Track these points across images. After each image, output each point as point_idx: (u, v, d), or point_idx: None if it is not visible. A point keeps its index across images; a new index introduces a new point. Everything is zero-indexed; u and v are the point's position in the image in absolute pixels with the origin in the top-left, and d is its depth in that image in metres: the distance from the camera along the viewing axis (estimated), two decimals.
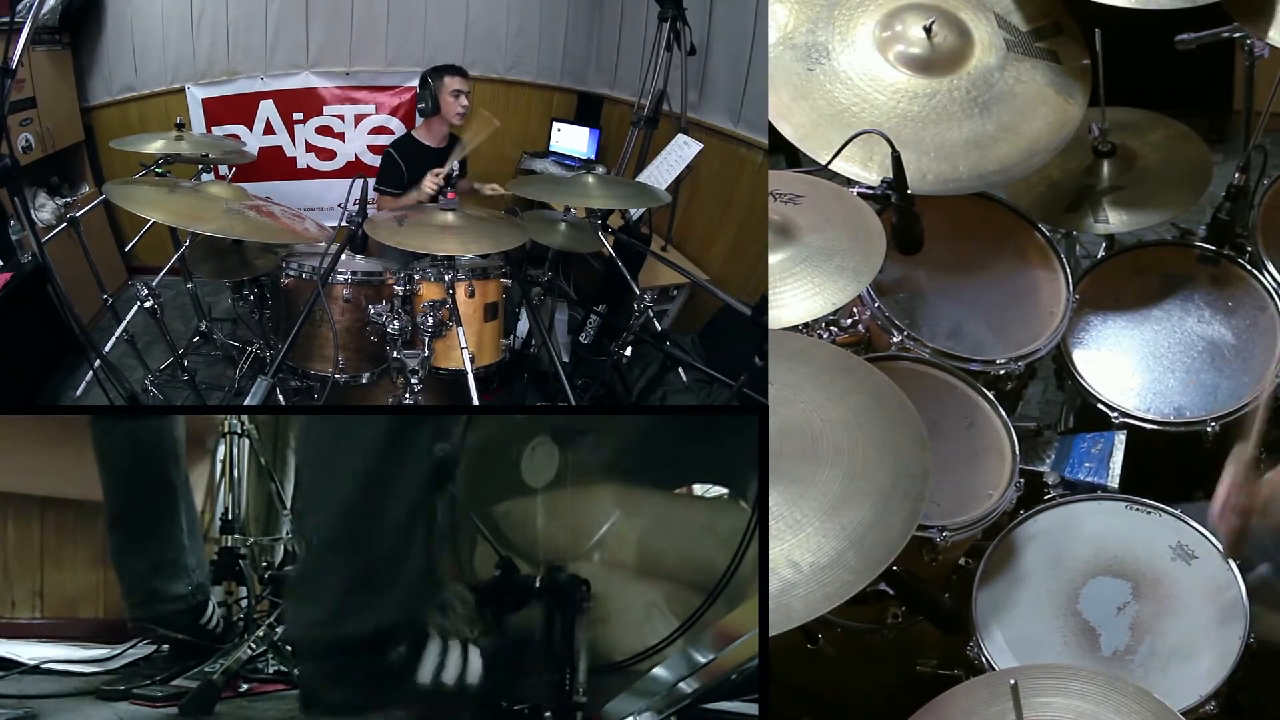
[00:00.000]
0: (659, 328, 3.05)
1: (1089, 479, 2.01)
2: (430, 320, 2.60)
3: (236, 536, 2.07)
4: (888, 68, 2.10)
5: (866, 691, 1.99)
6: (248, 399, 1.91)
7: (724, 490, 1.78)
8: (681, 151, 3.25)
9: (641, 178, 3.27)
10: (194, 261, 3.18)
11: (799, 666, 1.84)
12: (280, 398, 2.80)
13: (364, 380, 2.77)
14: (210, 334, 3.60)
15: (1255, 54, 2.25)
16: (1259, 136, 2.24)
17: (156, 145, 3.09)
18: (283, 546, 2.14)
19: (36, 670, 1.82)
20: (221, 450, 2.14)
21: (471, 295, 2.68)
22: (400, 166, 3.47)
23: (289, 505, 2.11)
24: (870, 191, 1.92)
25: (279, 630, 1.87)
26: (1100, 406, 2.14)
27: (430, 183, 3.27)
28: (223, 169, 3.92)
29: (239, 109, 4.50)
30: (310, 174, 4.69)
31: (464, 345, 2.59)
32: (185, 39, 4.32)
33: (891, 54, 2.10)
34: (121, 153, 3.31)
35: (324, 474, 1.47)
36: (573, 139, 4.83)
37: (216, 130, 4.47)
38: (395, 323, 2.61)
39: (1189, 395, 2.14)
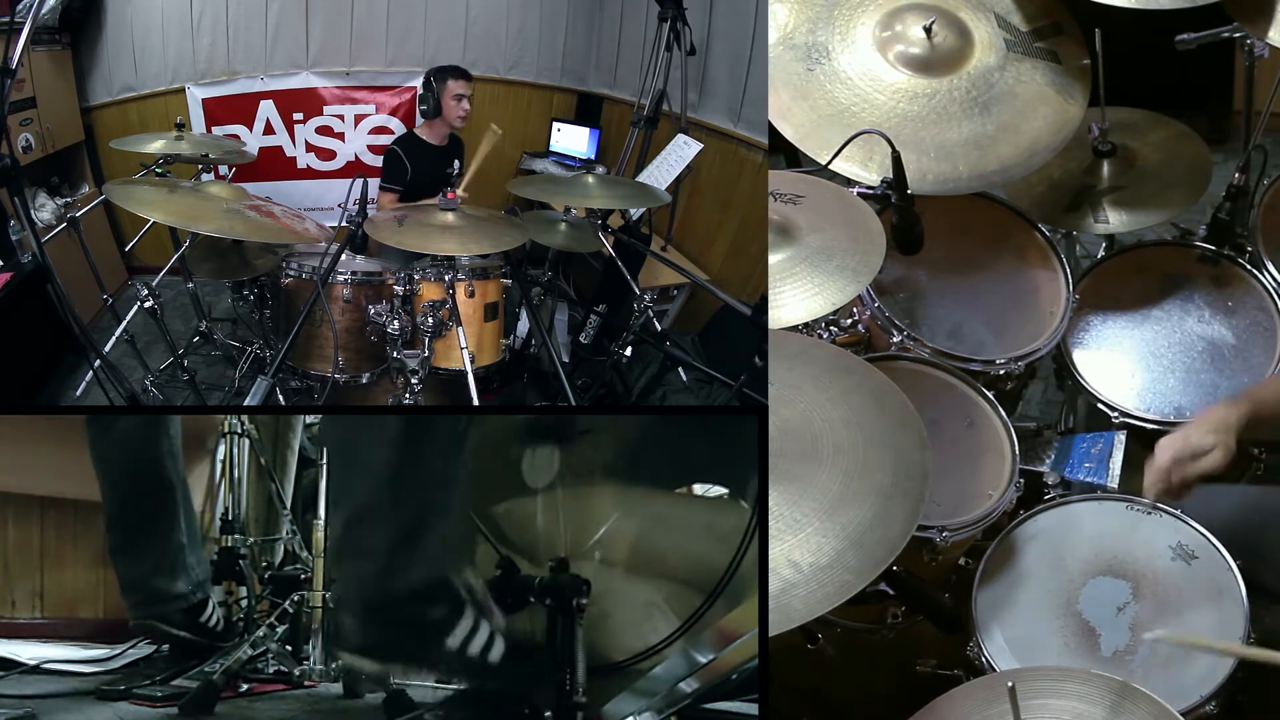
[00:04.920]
0: (659, 328, 3.05)
1: (1089, 479, 2.00)
2: (430, 320, 2.60)
3: (236, 536, 2.06)
4: (888, 68, 2.09)
5: (866, 691, 1.99)
6: (248, 399, 1.91)
7: (724, 490, 1.78)
8: (681, 151, 3.25)
9: (641, 178, 3.27)
10: (194, 261, 3.18)
11: (799, 666, 1.84)
12: (280, 398, 2.80)
13: (364, 380, 2.77)
14: (210, 334, 3.60)
15: (1255, 54, 2.25)
16: (1259, 136, 2.24)
17: (156, 145, 3.09)
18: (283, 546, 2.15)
19: (36, 670, 1.82)
20: (221, 450, 2.13)
21: (471, 295, 2.68)
22: (405, 163, 3.48)
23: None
24: (870, 191, 1.91)
25: (279, 630, 1.87)
26: (1100, 406, 2.14)
27: None
28: (223, 169, 3.93)
29: (239, 109, 4.51)
30: (310, 174, 4.70)
31: (464, 345, 2.59)
32: (185, 39, 4.33)
33: (891, 54, 2.10)
34: (121, 153, 3.32)
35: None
36: (573, 139, 4.83)
37: (216, 130, 4.48)
38: (395, 323, 2.61)
39: (1189, 395, 2.14)
